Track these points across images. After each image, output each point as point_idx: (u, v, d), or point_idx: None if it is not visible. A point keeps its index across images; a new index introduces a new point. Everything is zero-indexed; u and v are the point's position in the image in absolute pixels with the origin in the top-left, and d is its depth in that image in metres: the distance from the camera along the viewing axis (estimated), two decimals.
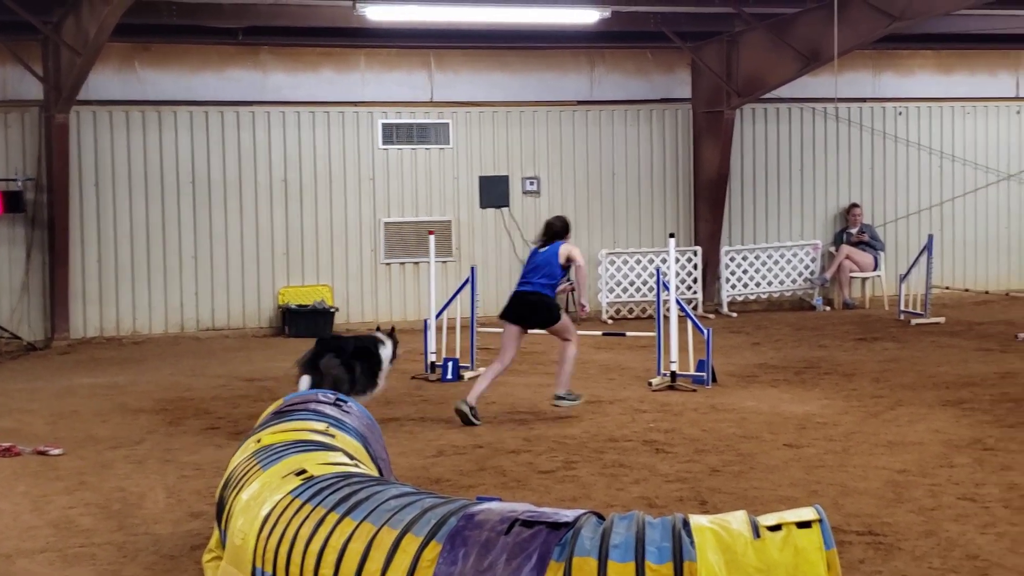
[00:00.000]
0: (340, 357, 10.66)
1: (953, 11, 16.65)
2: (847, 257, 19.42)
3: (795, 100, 19.56)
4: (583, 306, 12.02)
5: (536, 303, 11.64)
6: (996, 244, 20.56)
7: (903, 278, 18.01)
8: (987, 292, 19.26)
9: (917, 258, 18.04)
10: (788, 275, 19.45)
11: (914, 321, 17.48)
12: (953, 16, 17.95)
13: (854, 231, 19.68)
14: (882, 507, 8.52)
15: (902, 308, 17.92)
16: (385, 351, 11.04)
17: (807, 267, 19.49)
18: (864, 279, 19.73)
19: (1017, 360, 14.37)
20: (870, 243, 19.65)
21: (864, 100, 20.15)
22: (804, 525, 4.99)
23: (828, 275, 19.51)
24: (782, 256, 19.39)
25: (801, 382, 13.32)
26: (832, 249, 19.73)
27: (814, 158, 20.02)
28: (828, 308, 19.37)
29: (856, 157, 20.20)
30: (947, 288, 19.06)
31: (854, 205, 19.84)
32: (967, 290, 19.42)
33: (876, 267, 19.61)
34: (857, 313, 18.88)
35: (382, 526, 5.23)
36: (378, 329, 11.58)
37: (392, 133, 18.61)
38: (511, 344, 11.76)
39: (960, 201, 20.53)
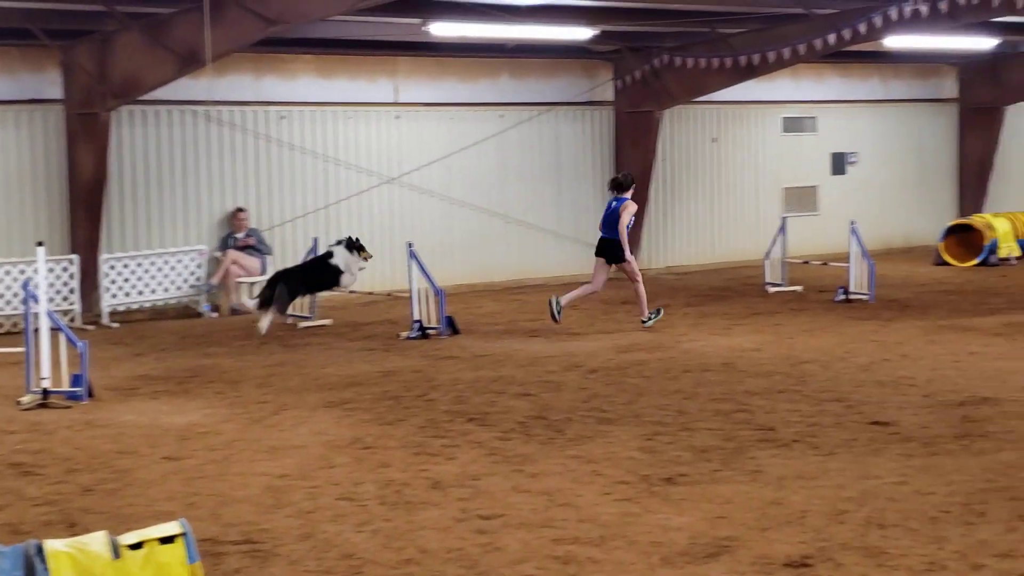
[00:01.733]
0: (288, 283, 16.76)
1: (329, 17, 16.97)
2: (233, 262, 19.32)
3: (175, 102, 19.19)
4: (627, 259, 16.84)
5: (607, 245, 16.90)
6: (379, 245, 21.12)
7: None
8: (372, 293, 19.80)
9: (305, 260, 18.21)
10: (173, 282, 19.09)
11: (301, 324, 17.68)
12: (332, 22, 18.32)
13: (240, 236, 19.62)
14: (261, 514, 8.48)
15: (289, 312, 18.00)
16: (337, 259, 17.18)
17: (193, 273, 19.22)
18: (252, 284, 19.69)
19: (399, 358, 14.85)
20: (257, 247, 19.67)
21: (247, 103, 20.11)
22: (167, 540, 4.91)
23: (215, 281, 19.34)
24: (166, 263, 19.00)
25: (185, 392, 13.05)
26: (218, 254, 19.55)
27: (197, 162, 19.76)
28: (216, 314, 19.20)
29: (240, 161, 20.15)
30: (333, 290, 19.42)
31: (239, 209, 19.78)
32: (352, 292, 19.83)
33: (263, 271, 19.62)
34: (245, 319, 18.77)
35: None
36: (337, 242, 17.49)
37: None
38: (600, 273, 17.05)
39: (345, 204, 20.98)
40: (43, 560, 4.61)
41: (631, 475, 9.22)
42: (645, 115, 22.82)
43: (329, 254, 17.42)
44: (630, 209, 16.76)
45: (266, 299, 16.77)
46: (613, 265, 16.92)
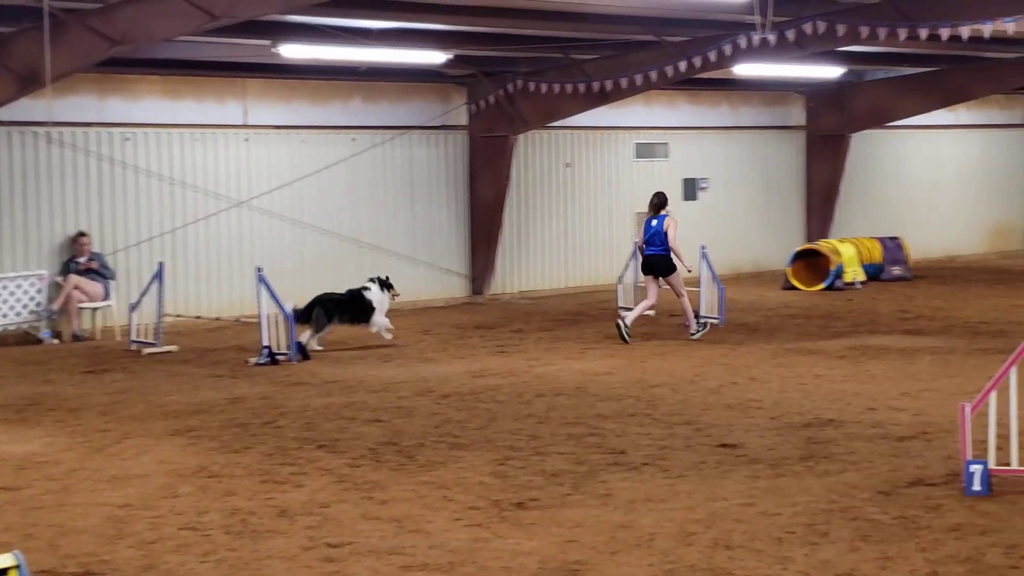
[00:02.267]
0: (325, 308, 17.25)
1: (173, 38, 16.65)
2: (75, 287, 18.83)
3: (15, 123, 18.63)
4: (688, 268, 17.78)
5: (654, 262, 17.59)
6: (228, 270, 20.84)
7: (134, 307, 17.72)
8: (219, 319, 19.46)
9: (148, 286, 17.82)
10: (12, 308, 18.50)
11: (146, 351, 17.28)
12: (180, 42, 17.96)
13: (82, 260, 19.11)
14: (101, 545, 8.24)
15: (134, 338, 17.65)
16: (371, 294, 17.52)
17: (33, 299, 18.66)
18: (94, 309, 19.23)
19: (246, 385, 14.59)
20: (100, 272, 19.19)
21: (90, 124, 19.62)
22: (1, 573, 4.73)
23: (56, 306, 18.82)
24: (5, 288, 18.42)
25: (23, 420, 12.65)
26: (59, 279, 19.02)
27: (38, 184, 19.21)
28: (57, 341, 18.66)
29: (83, 183, 19.63)
30: (179, 316, 19.05)
31: (81, 233, 19.25)
32: (199, 317, 19.51)
33: (107, 296, 19.18)
34: (87, 345, 18.37)
35: None
36: (371, 279, 17.80)
37: None
38: (652, 288, 17.78)
39: (193, 228, 20.59)
40: None
41: (482, 500, 9.14)
42: (499, 139, 22.86)
43: (365, 288, 17.68)
44: (675, 223, 17.68)
45: (303, 319, 17.06)
46: (661, 279, 17.80)
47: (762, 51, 18.72)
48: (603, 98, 21.60)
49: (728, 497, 9.11)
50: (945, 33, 16.83)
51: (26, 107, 17.94)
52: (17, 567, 4.82)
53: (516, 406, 12.91)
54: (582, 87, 21.43)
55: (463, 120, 23.39)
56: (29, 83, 16.33)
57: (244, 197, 21.09)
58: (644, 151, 25.83)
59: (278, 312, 16.28)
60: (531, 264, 24.36)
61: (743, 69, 21.76)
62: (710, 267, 19.10)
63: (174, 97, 20.56)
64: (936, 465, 9.96)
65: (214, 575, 7.60)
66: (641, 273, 18.32)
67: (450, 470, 10.11)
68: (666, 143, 26.19)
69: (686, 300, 17.77)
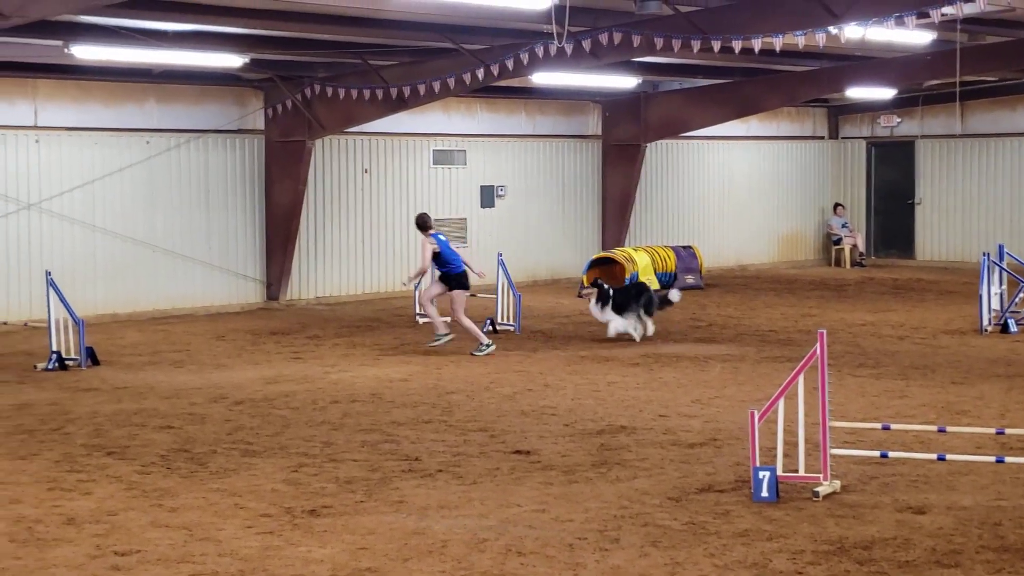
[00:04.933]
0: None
1: None
2: None
3: None
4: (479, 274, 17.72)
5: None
6: (17, 273, 20.30)
7: None
8: (6, 323, 18.95)
9: None
10: None
11: None
12: None
13: None
14: None
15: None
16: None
17: None
18: None
19: (34, 391, 14.28)
20: None
21: None
22: None
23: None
24: None
25: None
26: None
27: None
28: None
29: None
30: None
31: None
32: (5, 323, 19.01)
33: None
34: None
35: None
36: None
37: None
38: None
39: None
40: None
41: (274, 507, 9.15)
42: (296, 144, 22.74)
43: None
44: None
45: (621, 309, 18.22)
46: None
47: (559, 60, 19.04)
48: (401, 104, 21.68)
49: (521, 503, 9.27)
50: (737, 46, 17.28)
51: None
52: None
53: (310, 413, 12.91)
54: (380, 93, 21.47)
55: (260, 124, 23.20)
56: None
57: (34, 199, 20.57)
58: (442, 158, 25.98)
59: (67, 316, 15.94)
60: (328, 270, 24.29)
61: (541, 78, 22.09)
62: (506, 274, 19.34)
63: None
64: (725, 471, 10.26)
65: None
66: (465, 290, 17.50)
67: (242, 477, 10.09)
68: (464, 150, 26.39)
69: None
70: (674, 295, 19.04)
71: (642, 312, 18.40)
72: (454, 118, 26.09)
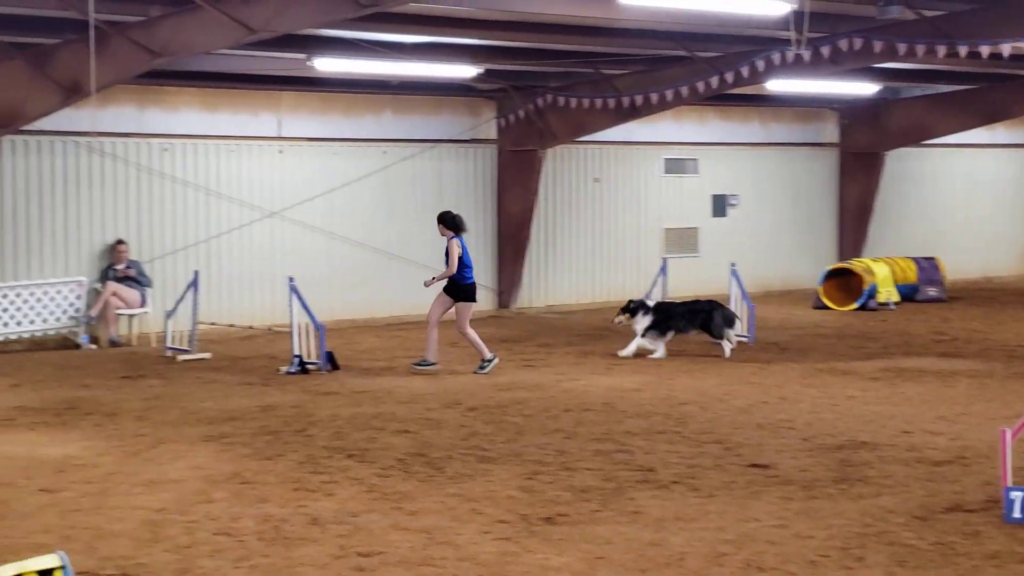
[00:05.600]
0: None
1: (212, 51, 16.85)
2: (113, 294, 19.06)
3: (58, 133, 18.98)
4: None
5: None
6: (261, 279, 21.04)
7: (170, 314, 17.93)
8: (252, 327, 19.64)
9: (183, 294, 18.03)
10: (52, 313, 18.74)
11: (180, 357, 17.45)
12: (217, 55, 18.19)
13: (120, 267, 19.36)
14: (138, 548, 8.39)
15: (169, 345, 17.84)
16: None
17: (72, 304, 18.89)
18: (131, 316, 19.44)
19: (277, 393, 14.74)
20: (137, 280, 19.42)
21: (129, 135, 19.90)
22: (46, 573, 4.88)
23: (94, 312, 19.03)
24: (45, 294, 18.64)
25: (62, 424, 12.84)
26: (98, 286, 19.27)
27: (78, 193, 19.50)
28: (95, 346, 18.88)
29: (122, 192, 19.90)
30: (213, 324, 19.21)
31: (120, 241, 19.52)
32: (232, 325, 19.69)
33: (143, 304, 19.41)
34: (124, 351, 18.57)
35: None
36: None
37: None
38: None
39: (227, 237, 20.81)
40: None
41: (510, 514, 9.24)
42: (528, 154, 22.99)
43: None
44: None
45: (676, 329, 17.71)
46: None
47: (796, 67, 18.73)
48: (633, 113, 21.70)
49: (760, 518, 9.13)
50: (985, 51, 16.75)
51: (68, 117, 18.26)
52: (63, 568, 4.95)
53: (543, 420, 13.00)
54: (612, 102, 21.54)
55: (492, 134, 23.53)
56: (72, 94, 16.60)
57: (277, 208, 21.29)
58: (673, 167, 25.91)
59: (309, 322, 16.42)
60: (558, 278, 24.47)
61: (775, 85, 21.81)
62: (740, 284, 19.15)
63: (211, 109, 20.80)
64: (974, 491, 9.89)
65: None
66: (474, 301, 16.67)
67: (478, 483, 10.21)
68: (695, 159, 26.25)
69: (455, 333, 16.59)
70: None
71: (715, 331, 17.62)
72: (685, 126, 25.98)
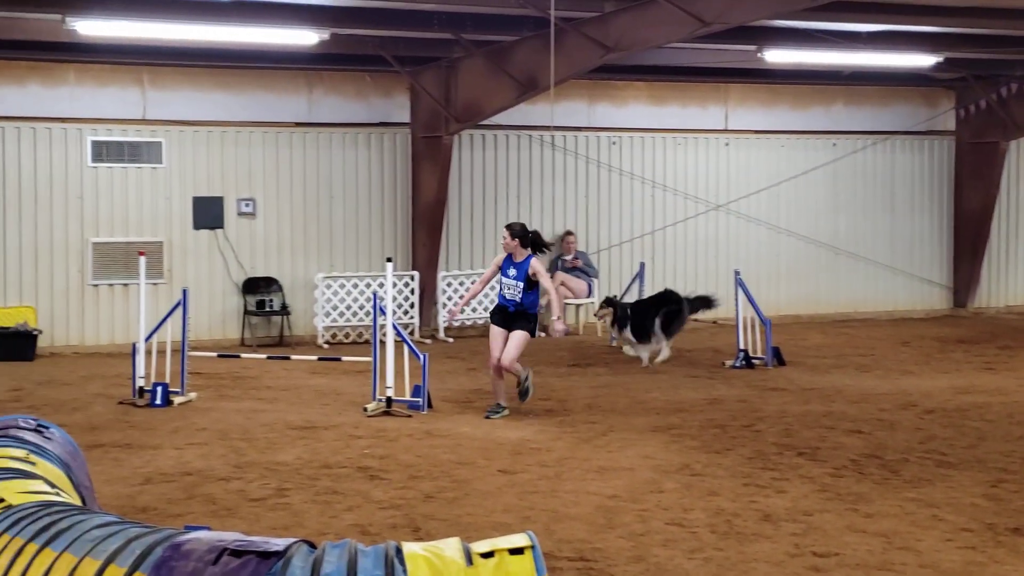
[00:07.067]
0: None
1: (664, 44, 17.02)
2: (562, 283, 19.61)
3: (512, 127, 19.70)
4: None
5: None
6: (705, 273, 21.12)
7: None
8: (695, 320, 19.71)
9: (629, 285, 18.34)
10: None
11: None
12: (665, 49, 18.36)
13: (568, 258, 19.91)
14: (593, 533, 8.55)
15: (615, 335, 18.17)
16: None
17: None
18: (578, 305, 19.96)
19: (724, 387, 14.74)
20: (584, 270, 19.92)
21: (579, 129, 20.43)
22: (516, 552, 4.93)
23: (543, 301, 19.62)
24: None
25: (516, 407, 13.30)
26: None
27: (530, 185, 20.20)
28: (543, 334, 19.45)
29: (571, 185, 20.46)
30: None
31: (568, 232, 20.08)
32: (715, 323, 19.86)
33: (590, 294, 19.89)
34: (571, 339, 19.07)
35: (84, 556, 4.85)
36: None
37: (102, 151, 17.92)
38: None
39: (671, 230, 21.01)
40: (402, 561, 4.73)
41: (975, 523, 8.85)
42: (989, 146, 21.99)
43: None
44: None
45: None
46: None
47: None
48: None
49: None
50: None
51: (523, 112, 18.89)
52: (532, 547, 5.07)
53: (1007, 427, 12.39)
54: None
55: (951, 125, 22.66)
56: (527, 89, 17.16)
57: (722, 201, 21.31)
58: None
59: (754, 316, 16.33)
60: (1019, 278, 23.28)
61: None
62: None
63: (658, 103, 21.03)
64: None
65: (703, 573, 7.72)
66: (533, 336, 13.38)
67: (938, 488, 9.84)
68: None
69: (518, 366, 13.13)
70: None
71: (658, 328, 16.26)
72: None
